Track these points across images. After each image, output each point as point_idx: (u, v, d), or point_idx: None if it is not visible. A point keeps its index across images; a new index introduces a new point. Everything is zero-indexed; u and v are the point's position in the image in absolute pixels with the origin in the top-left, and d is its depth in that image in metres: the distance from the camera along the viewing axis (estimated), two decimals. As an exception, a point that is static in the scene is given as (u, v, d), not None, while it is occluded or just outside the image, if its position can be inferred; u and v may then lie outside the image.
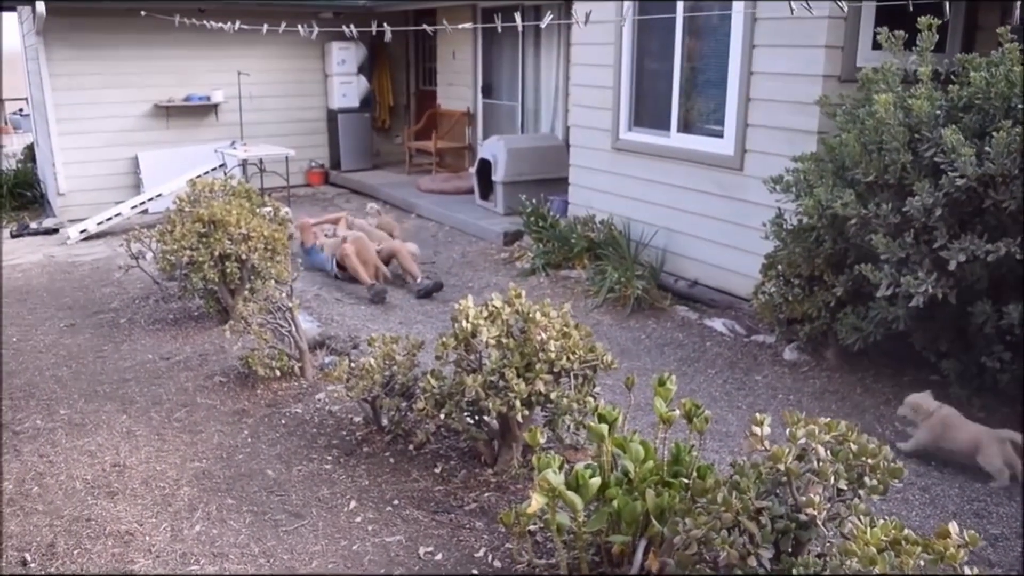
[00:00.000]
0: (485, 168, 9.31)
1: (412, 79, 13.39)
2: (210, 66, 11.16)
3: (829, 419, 2.43)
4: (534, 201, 8.02)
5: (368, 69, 12.40)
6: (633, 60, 7.20)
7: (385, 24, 5.41)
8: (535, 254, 7.47)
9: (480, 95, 11.33)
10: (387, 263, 7.21)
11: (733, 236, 6.30)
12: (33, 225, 10.27)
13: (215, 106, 11.28)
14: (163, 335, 5.95)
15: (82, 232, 9.42)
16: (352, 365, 4.11)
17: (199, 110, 11.26)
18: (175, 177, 10.10)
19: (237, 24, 7.21)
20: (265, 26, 6.94)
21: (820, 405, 4.67)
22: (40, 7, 9.40)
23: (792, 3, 3.08)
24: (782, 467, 2.26)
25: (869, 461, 2.30)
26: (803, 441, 2.33)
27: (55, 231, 9.99)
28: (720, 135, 6.39)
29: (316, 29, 6.25)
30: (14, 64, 14.38)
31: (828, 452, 2.32)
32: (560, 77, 9.75)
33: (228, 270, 5.54)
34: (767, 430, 2.38)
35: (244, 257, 5.53)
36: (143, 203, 9.75)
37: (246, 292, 5.73)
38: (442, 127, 11.93)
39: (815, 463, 2.29)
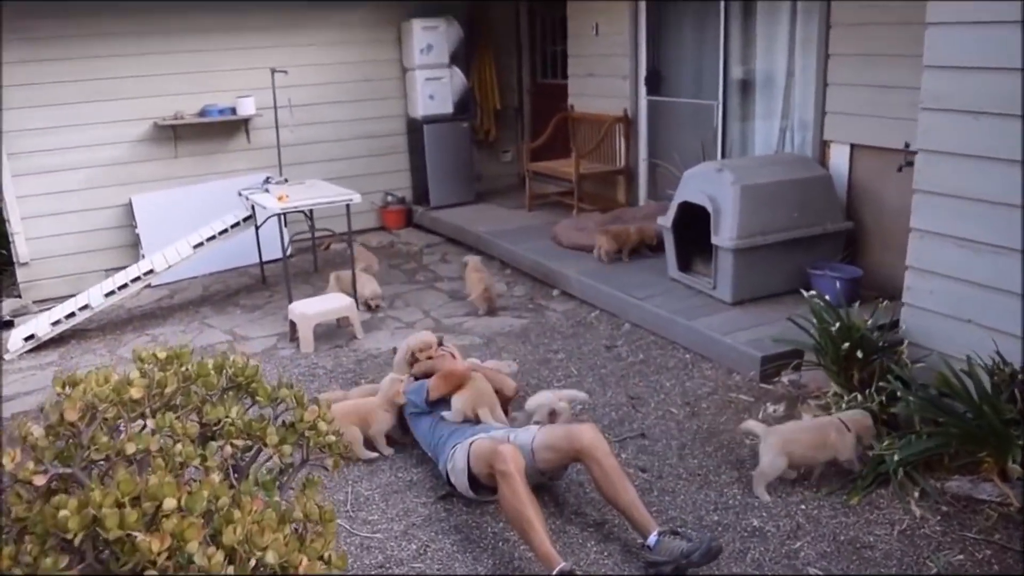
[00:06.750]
0: (688, 217, 5.38)
1: (525, 69, 9.45)
2: (236, 62, 7.47)
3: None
4: (827, 299, 4.08)
5: (464, 58, 8.55)
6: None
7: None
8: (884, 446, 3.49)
9: (643, 89, 7.35)
10: (559, 468, 3.31)
11: None
12: (-23, 314, 6.74)
13: (244, 121, 7.56)
14: None
15: (27, 339, 5.78)
16: None
17: (221, 128, 7.55)
18: (186, 233, 6.43)
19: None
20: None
21: None
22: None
23: None
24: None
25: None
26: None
27: (10, 323, 6.44)
28: None
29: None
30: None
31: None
32: (813, 53, 5.74)
33: None
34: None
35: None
36: (123, 286, 6.08)
37: None
38: (580, 140, 7.99)
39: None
